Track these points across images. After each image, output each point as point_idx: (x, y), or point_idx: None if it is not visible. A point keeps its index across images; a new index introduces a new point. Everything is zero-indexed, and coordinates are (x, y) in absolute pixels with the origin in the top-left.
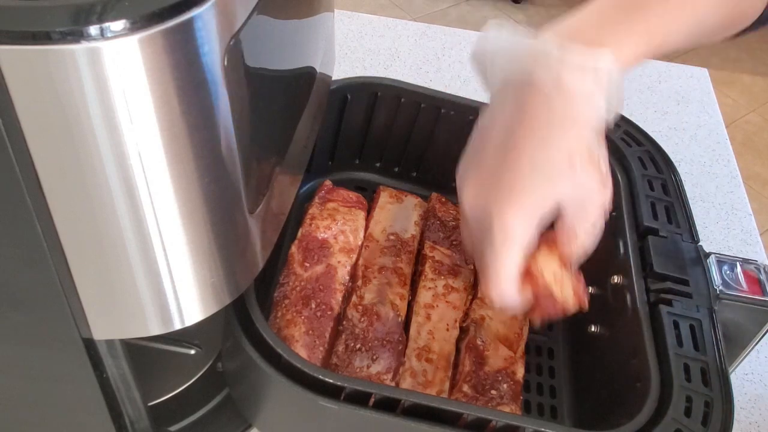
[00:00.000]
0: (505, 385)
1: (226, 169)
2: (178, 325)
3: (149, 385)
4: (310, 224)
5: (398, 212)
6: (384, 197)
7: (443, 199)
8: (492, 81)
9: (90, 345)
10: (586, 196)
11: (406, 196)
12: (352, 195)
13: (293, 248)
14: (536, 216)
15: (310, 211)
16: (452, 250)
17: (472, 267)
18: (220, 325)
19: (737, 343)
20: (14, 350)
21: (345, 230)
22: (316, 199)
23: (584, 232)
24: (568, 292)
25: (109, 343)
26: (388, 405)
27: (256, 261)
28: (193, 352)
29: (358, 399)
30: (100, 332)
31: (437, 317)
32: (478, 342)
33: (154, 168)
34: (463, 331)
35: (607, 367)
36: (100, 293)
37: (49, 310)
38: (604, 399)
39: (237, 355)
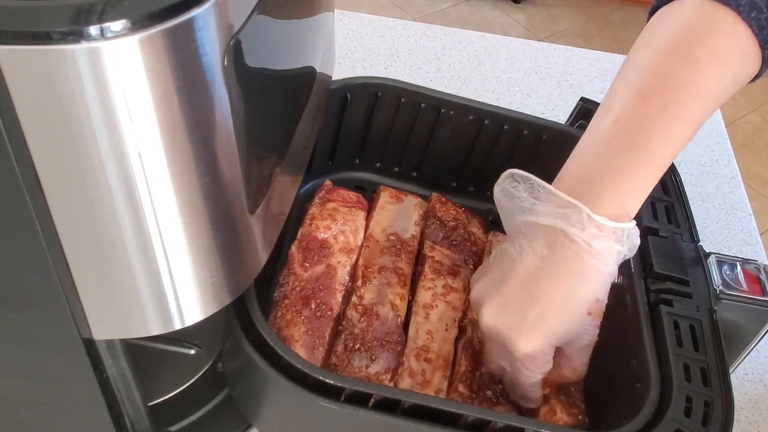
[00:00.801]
0: (501, 386)
1: (226, 169)
2: (178, 325)
3: (149, 385)
4: (310, 224)
5: (398, 212)
6: (384, 197)
7: (443, 199)
8: (515, 219)
9: (90, 345)
10: (589, 337)
11: (406, 196)
12: (352, 195)
13: (293, 248)
14: (552, 350)
15: (310, 211)
16: (452, 250)
17: (472, 267)
18: (220, 325)
19: (737, 343)
20: (14, 350)
21: (345, 230)
22: (316, 199)
23: (582, 363)
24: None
25: (109, 343)
26: (389, 405)
27: (256, 261)
28: (193, 352)
29: (359, 399)
30: (100, 332)
31: (436, 317)
32: (476, 342)
33: (154, 168)
34: (461, 330)
35: (607, 367)
36: (100, 293)
37: (49, 310)
38: (603, 399)
39: (237, 355)
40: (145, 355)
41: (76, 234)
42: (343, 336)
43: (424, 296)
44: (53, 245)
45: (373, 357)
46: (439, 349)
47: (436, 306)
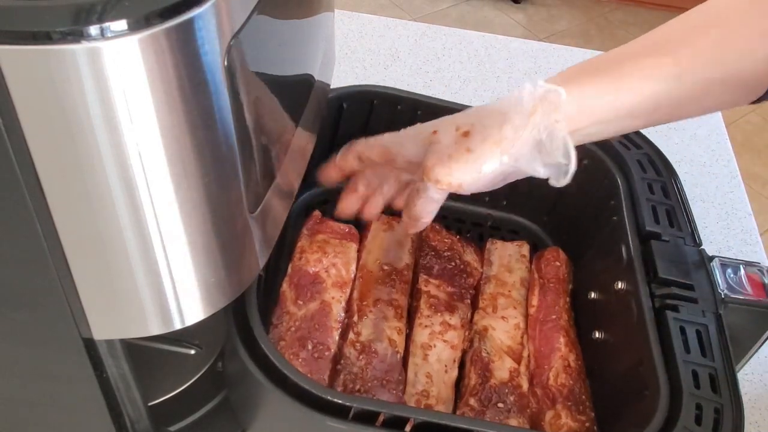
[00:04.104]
0: (511, 398)
1: (226, 169)
2: (178, 325)
3: (149, 385)
4: (300, 258)
5: (391, 240)
6: (376, 225)
7: (437, 227)
8: None
9: (90, 345)
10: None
11: (398, 222)
12: (343, 226)
13: (284, 286)
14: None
15: (299, 244)
16: (448, 283)
17: (469, 301)
18: (220, 325)
19: (742, 346)
20: (14, 350)
21: (336, 263)
22: (305, 231)
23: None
24: None
25: (109, 343)
26: (397, 423)
27: (256, 261)
28: (193, 352)
29: (367, 418)
30: (100, 332)
31: (435, 358)
32: (484, 354)
33: (154, 168)
34: (469, 343)
35: (615, 374)
36: (100, 293)
37: (49, 310)
38: (612, 407)
39: (242, 374)
40: (145, 355)
41: (77, 234)
42: (342, 376)
43: (421, 335)
44: (53, 245)
45: (374, 398)
46: (438, 393)
47: (435, 346)
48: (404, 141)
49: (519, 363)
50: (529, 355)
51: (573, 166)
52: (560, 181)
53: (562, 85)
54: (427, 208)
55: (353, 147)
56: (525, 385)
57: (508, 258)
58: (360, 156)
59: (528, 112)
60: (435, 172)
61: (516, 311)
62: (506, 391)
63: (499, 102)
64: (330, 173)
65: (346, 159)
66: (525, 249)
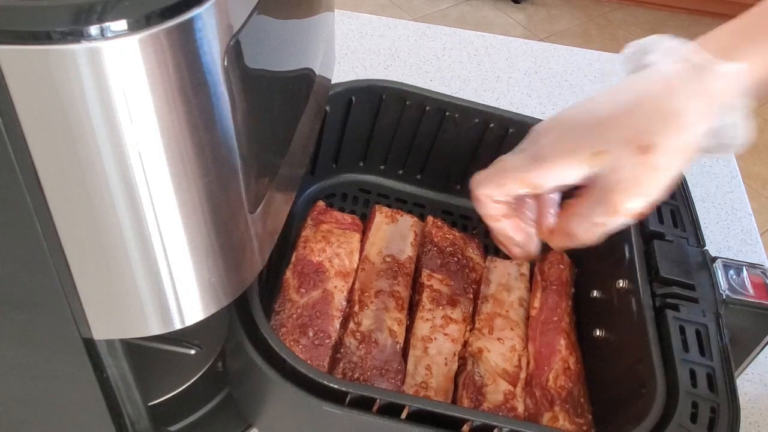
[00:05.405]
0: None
1: (226, 169)
2: (178, 325)
3: (149, 385)
4: (304, 247)
5: (394, 232)
6: (379, 217)
7: (439, 223)
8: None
9: (90, 345)
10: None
11: (401, 215)
12: (347, 217)
13: (288, 273)
14: None
15: (304, 234)
16: (450, 277)
17: (471, 296)
18: (221, 325)
19: (743, 348)
20: (14, 350)
21: (340, 253)
22: (309, 221)
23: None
24: None
25: (109, 343)
26: (393, 410)
27: (257, 260)
28: (193, 352)
29: (363, 404)
30: (100, 332)
31: (435, 350)
32: (476, 378)
33: (154, 168)
34: (461, 359)
35: (613, 372)
36: (100, 293)
37: (49, 311)
38: (609, 404)
39: (240, 358)
40: (145, 355)
41: (77, 234)
42: (341, 364)
43: (422, 328)
44: (53, 245)
45: (373, 386)
46: (437, 385)
47: (435, 339)
48: (552, 171)
49: (515, 385)
50: (528, 362)
51: (750, 138)
52: (727, 153)
53: (727, 54)
54: (604, 234)
55: (479, 194)
56: (520, 408)
57: (507, 277)
58: (491, 199)
59: (703, 110)
60: (629, 207)
61: (513, 332)
62: (500, 414)
63: (655, 89)
64: (493, 224)
65: (481, 209)
66: (525, 268)
